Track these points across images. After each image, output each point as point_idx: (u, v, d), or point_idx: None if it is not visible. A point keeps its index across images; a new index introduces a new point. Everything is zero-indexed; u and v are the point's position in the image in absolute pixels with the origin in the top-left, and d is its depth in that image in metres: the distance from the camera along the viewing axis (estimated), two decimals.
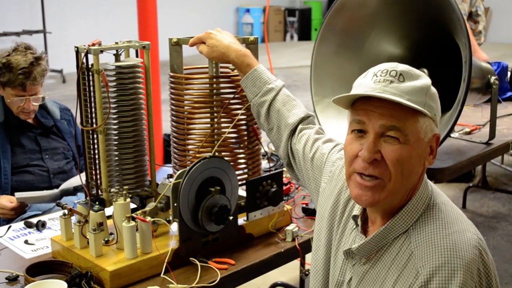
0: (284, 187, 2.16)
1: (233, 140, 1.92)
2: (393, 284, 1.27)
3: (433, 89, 1.30)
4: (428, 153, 1.30)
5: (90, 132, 1.80)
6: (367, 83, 1.27)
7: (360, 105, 1.28)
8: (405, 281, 1.24)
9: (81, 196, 2.43)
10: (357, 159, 1.28)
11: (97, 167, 1.81)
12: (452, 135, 2.88)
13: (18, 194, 2.42)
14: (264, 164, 2.25)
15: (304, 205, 2.16)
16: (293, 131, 1.75)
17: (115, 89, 1.78)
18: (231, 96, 1.87)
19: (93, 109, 1.78)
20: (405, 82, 1.25)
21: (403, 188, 1.27)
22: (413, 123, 1.24)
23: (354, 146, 1.28)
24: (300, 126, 1.74)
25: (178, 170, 1.81)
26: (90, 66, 1.74)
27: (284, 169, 1.90)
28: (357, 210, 1.40)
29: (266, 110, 1.78)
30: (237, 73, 1.86)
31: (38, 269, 1.70)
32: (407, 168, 1.25)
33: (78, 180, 2.47)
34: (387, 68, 1.27)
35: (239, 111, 1.88)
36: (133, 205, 1.82)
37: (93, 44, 1.72)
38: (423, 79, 1.28)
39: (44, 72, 2.61)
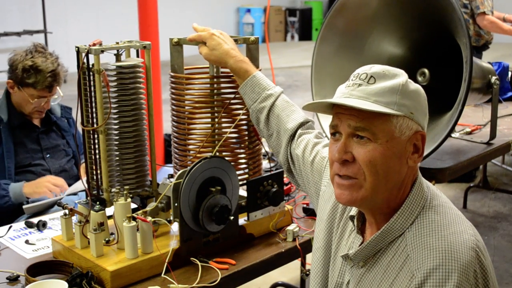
0: (285, 187, 2.16)
1: (233, 140, 1.92)
2: (388, 287, 1.26)
3: (411, 87, 1.28)
4: (410, 151, 1.28)
5: (91, 132, 1.80)
6: (341, 89, 1.31)
7: (334, 109, 1.31)
8: (401, 283, 1.24)
9: (82, 196, 2.44)
10: (335, 162, 1.31)
11: (98, 167, 1.81)
12: (453, 135, 2.88)
13: (26, 206, 2.43)
14: (265, 164, 2.25)
15: (305, 205, 2.16)
16: (292, 136, 1.75)
17: (115, 89, 1.78)
18: (232, 96, 1.86)
19: (94, 109, 1.78)
20: (375, 84, 1.26)
21: (383, 187, 1.27)
22: (383, 122, 1.24)
23: (331, 149, 1.31)
24: (299, 131, 1.74)
25: (178, 170, 1.81)
26: (91, 66, 1.74)
27: None
28: (354, 211, 1.40)
29: (266, 116, 1.78)
30: None
31: (39, 269, 1.70)
32: (383, 167, 1.25)
33: (82, 185, 2.48)
34: (359, 72, 1.30)
35: (240, 111, 1.88)
36: (133, 205, 1.82)
37: (94, 44, 1.72)
38: (398, 78, 1.27)
39: (66, 73, 2.67)
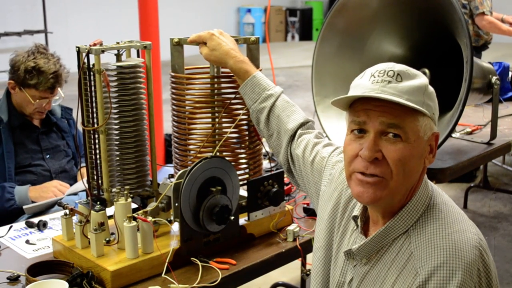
0: (285, 187, 2.15)
1: (234, 140, 1.92)
2: (392, 284, 1.27)
3: (431, 88, 1.30)
4: (428, 151, 1.30)
5: (92, 132, 1.80)
6: (365, 84, 1.27)
7: (359, 105, 1.28)
8: (404, 281, 1.24)
9: (82, 196, 2.44)
10: (357, 158, 1.28)
11: (99, 167, 1.81)
12: (453, 135, 2.88)
13: (27, 206, 2.43)
14: (265, 164, 2.25)
15: (305, 205, 2.16)
16: (292, 137, 1.75)
17: (116, 89, 1.78)
18: (232, 96, 1.86)
19: (94, 109, 1.78)
20: (402, 82, 1.25)
21: (404, 187, 1.27)
22: (412, 121, 1.25)
23: (354, 146, 1.28)
24: (299, 131, 1.74)
25: (179, 170, 1.81)
26: (91, 66, 1.75)
27: None
28: (357, 211, 1.40)
29: (266, 116, 1.78)
30: None
31: (39, 269, 1.70)
32: (409, 167, 1.25)
33: (83, 185, 2.48)
34: (384, 69, 1.27)
35: (240, 111, 1.88)
36: (134, 205, 1.82)
37: (95, 44, 1.72)
38: (421, 78, 1.28)
39: (68, 74, 2.68)
